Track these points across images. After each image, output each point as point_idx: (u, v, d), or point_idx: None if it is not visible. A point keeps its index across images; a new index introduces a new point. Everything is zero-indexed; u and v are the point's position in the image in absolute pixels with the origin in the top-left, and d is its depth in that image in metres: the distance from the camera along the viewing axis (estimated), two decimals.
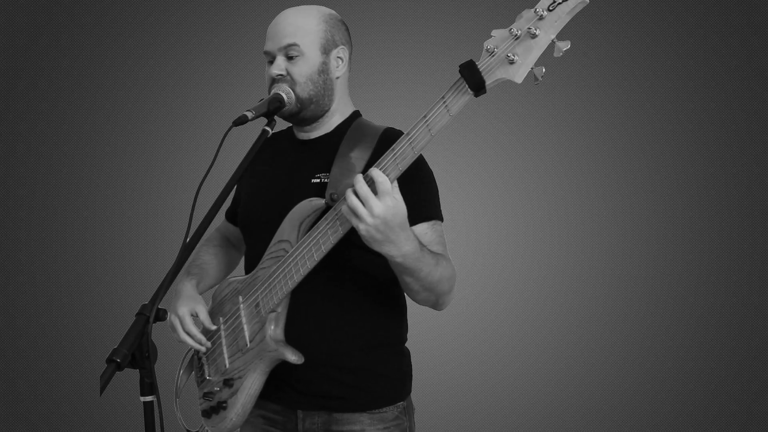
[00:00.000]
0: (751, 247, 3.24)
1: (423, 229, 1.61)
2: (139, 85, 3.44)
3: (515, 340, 3.37)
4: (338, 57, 1.70)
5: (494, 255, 3.36)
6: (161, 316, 1.34)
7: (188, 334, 1.70)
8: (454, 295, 1.62)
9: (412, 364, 1.82)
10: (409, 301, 1.80)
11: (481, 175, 3.39)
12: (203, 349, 1.73)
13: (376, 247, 1.41)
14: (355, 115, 1.77)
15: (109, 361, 1.24)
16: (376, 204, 1.36)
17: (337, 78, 1.71)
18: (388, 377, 1.72)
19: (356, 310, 1.68)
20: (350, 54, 1.74)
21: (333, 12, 1.73)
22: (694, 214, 3.28)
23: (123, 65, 3.43)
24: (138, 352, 1.27)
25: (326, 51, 1.67)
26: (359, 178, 1.38)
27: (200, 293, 1.82)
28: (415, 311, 1.82)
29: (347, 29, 1.74)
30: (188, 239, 1.41)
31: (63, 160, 3.43)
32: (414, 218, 1.52)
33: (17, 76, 3.39)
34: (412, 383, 1.81)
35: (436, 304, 1.61)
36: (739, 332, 3.23)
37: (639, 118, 3.31)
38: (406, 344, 1.81)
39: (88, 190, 3.44)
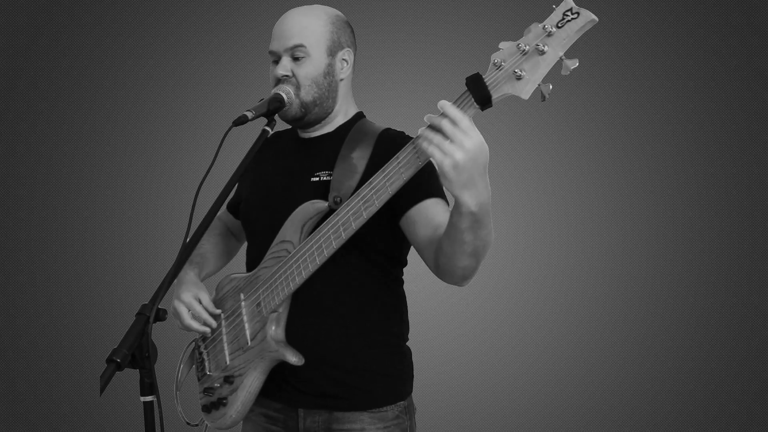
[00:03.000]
0: (751, 247, 3.24)
1: (444, 207, 1.58)
2: (139, 85, 3.44)
3: (515, 340, 3.37)
4: (343, 59, 1.69)
5: (494, 255, 3.34)
6: (161, 316, 1.34)
7: (196, 318, 1.70)
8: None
9: (413, 364, 1.82)
10: (410, 301, 1.80)
11: None
12: (208, 330, 1.73)
13: (457, 190, 1.28)
14: (359, 116, 1.77)
15: (109, 361, 1.24)
16: (465, 138, 1.25)
17: (341, 80, 1.70)
18: (389, 377, 1.72)
19: (358, 310, 1.68)
20: (355, 56, 1.74)
21: (339, 13, 1.72)
22: (694, 214, 3.28)
23: (123, 65, 3.43)
24: (138, 352, 1.27)
25: (332, 53, 1.67)
26: (447, 106, 1.26)
27: (201, 281, 1.83)
28: (416, 311, 1.82)
29: (352, 31, 1.74)
30: (188, 239, 1.41)
31: (63, 160, 3.42)
32: (431, 192, 1.52)
33: (17, 76, 3.39)
34: (413, 383, 1.81)
35: (469, 275, 1.51)
36: (739, 332, 3.23)
37: (639, 118, 3.31)
38: (407, 344, 1.81)
39: (88, 190, 3.44)
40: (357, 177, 1.59)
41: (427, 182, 1.56)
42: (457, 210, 1.34)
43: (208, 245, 1.94)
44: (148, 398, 1.30)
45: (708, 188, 3.27)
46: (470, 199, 1.30)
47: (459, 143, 1.25)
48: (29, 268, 3.40)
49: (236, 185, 1.93)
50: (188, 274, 1.79)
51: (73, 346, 3.34)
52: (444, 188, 1.55)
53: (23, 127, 3.40)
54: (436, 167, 1.29)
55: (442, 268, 1.51)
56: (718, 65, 3.24)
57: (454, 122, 1.26)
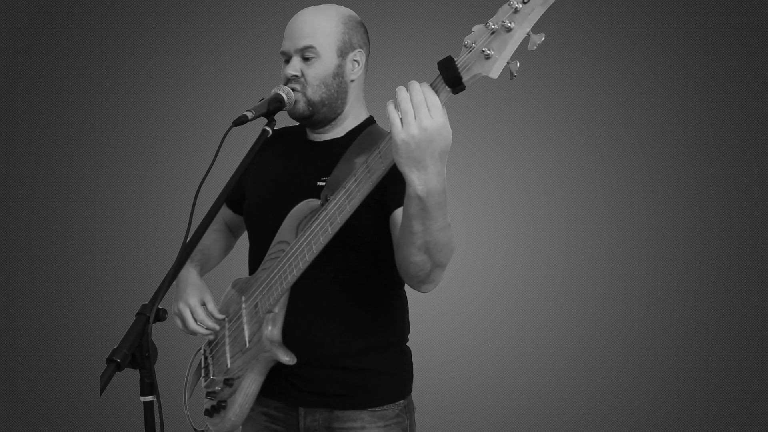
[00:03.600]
0: (751, 247, 3.24)
1: None
2: (139, 85, 3.44)
3: (515, 340, 3.37)
4: (354, 60, 1.68)
5: (494, 255, 3.36)
6: (161, 316, 1.34)
7: (201, 323, 1.70)
8: (441, 280, 1.49)
9: (413, 363, 1.82)
10: (410, 301, 1.81)
11: (481, 175, 3.39)
12: (212, 336, 1.73)
13: (405, 168, 1.26)
14: (369, 121, 1.76)
15: (109, 361, 1.23)
16: (426, 116, 1.24)
17: (352, 81, 1.69)
18: (389, 375, 1.72)
19: (358, 310, 1.68)
20: (367, 56, 1.73)
21: (352, 13, 1.71)
22: (694, 214, 3.28)
23: (123, 65, 3.43)
24: (138, 352, 1.27)
25: (343, 54, 1.66)
26: (414, 86, 1.26)
27: (201, 277, 1.82)
28: (416, 311, 1.82)
29: (366, 31, 1.72)
30: (188, 239, 1.41)
31: (63, 160, 3.42)
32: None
33: (17, 76, 3.38)
34: (413, 383, 1.81)
35: (425, 279, 1.45)
36: (739, 332, 3.23)
37: (639, 118, 3.31)
38: (407, 344, 1.81)
39: (88, 190, 3.44)
40: None
41: None
42: (406, 193, 1.31)
43: (208, 242, 1.94)
44: (148, 398, 1.29)
45: (708, 188, 3.27)
46: (417, 181, 1.27)
47: (419, 119, 1.24)
48: (29, 268, 3.40)
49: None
50: (191, 274, 1.78)
51: (73, 346, 3.34)
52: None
53: (23, 127, 3.40)
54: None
55: (398, 263, 1.49)
56: (718, 65, 3.24)
57: (425, 97, 1.25)
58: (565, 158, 3.36)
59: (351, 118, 1.73)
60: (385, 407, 1.69)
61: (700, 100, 3.26)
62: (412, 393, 1.80)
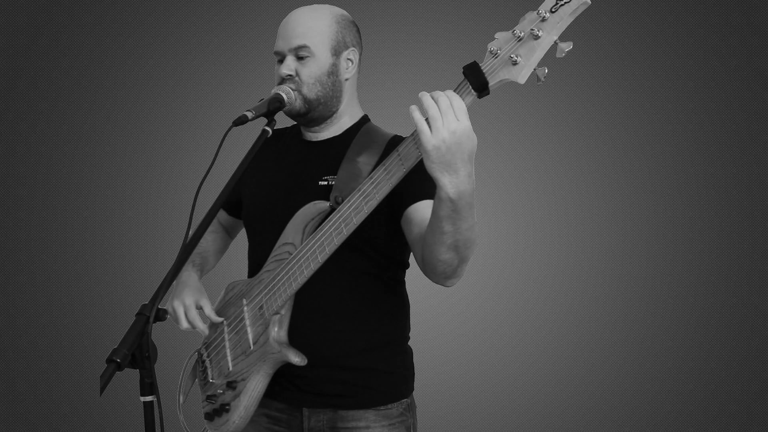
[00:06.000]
0: (751, 247, 3.24)
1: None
2: (139, 85, 3.44)
3: (515, 340, 3.37)
4: (348, 59, 1.69)
5: (494, 255, 3.36)
6: (161, 316, 1.34)
7: (191, 322, 1.70)
8: (464, 273, 1.53)
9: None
10: (410, 301, 1.80)
11: (481, 175, 3.38)
12: (207, 332, 1.73)
13: (437, 173, 1.29)
14: (365, 119, 1.77)
15: (109, 361, 1.23)
16: (453, 120, 1.27)
17: (347, 80, 1.70)
18: (393, 375, 1.73)
19: (361, 310, 1.69)
20: (360, 55, 1.74)
21: (345, 12, 1.73)
22: (694, 214, 3.28)
23: (123, 65, 3.43)
24: (138, 352, 1.27)
25: (337, 53, 1.67)
26: (438, 93, 1.29)
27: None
28: (416, 311, 1.83)
29: (358, 30, 1.74)
30: (188, 239, 1.41)
31: (63, 160, 3.43)
32: (431, 194, 1.44)
33: (17, 76, 3.39)
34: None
35: (452, 274, 1.48)
36: (739, 332, 3.23)
37: (639, 118, 3.31)
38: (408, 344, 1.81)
39: (88, 190, 3.44)
40: (361, 180, 1.58)
41: (428, 183, 1.56)
42: (437, 196, 1.34)
43: (206, 243, 1.94)
44: (148, 398, 1.30)
45: (708, 188, 3.27)
46: (449, 184, 1.30)
47: (447, 123, 1.27)
48: (29, 268, 3.40)
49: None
50: (192, 276, 1.79)
51: (73, 346, 3.34)
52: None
53: (23, 127, 3.40)
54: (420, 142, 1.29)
55: (425, 261, 1.50)
56: (718, 65, 3.24)
57: (450, 102, 1.28)
58: (565, 158, 3.36)
59: (347, 117, 1.74)
60: (389, 406, 1.70)
61: (700, 100, 3.26)
62: (413, 392, 1.80)
